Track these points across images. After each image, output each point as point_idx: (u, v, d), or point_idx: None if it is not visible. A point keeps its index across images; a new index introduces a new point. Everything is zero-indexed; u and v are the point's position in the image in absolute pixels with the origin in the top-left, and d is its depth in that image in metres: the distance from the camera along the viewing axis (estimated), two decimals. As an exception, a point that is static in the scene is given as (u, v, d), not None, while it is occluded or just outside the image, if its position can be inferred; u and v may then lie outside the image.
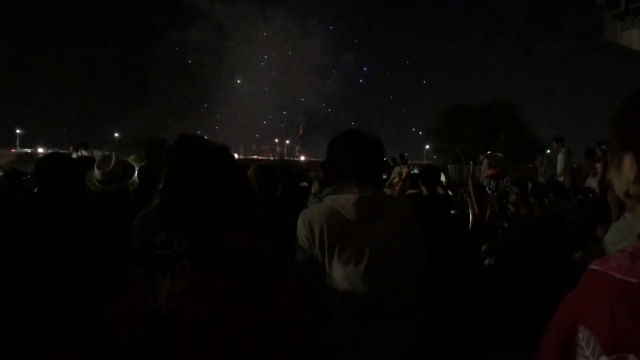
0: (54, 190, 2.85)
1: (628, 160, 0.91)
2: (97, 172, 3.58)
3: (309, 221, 2.30)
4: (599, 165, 9.87)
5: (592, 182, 9.76)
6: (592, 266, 0.88)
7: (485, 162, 10.60)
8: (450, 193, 6.00)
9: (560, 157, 11.51)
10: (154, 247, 1.39)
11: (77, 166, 3.75)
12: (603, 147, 10.28)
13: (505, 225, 4.87)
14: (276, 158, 43.20)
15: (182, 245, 1.36)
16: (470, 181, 5.02)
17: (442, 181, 5.51)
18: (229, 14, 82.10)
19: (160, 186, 1.60)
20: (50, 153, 3.21)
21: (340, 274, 2.25)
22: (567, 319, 0.86)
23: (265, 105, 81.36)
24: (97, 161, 3.72)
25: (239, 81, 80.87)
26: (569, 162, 11.55)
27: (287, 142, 76.76)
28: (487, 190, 5.57)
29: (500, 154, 6.94)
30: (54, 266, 2.57)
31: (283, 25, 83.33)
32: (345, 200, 2.28)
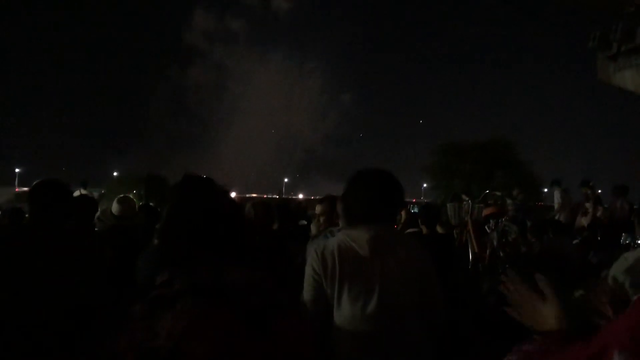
0: (50, 221, 2.73)
1: None
2: (115, 206, 3.86)
3: (322, 252, 2.27)
4: (588, 205, 9.91)
5: (583, 221, 9.77)
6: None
7: (489, 196, 10.84)
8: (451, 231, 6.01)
9: (556, 194, 11.59)
10: (154, 285, 1.40)
11: (78, 203, 3.80)
12: (591, 184, 10.36)
13: (507, 265, 4.85)
14: (274, 196, 43.20)
15: (182, 285, 1.37)
16: (469, 220, 5.03)
17: (441, 220, 5.51)
18: (228, 55, 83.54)
19: (161, 225, 1.61)
20: (45, 180, 3.02)
21: (348, 310, 2.21)
22: (607, 344, 0.85)
23: (263, 143, 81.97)
24: (117, 197, 3.99)
25: (237, 119, 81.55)
26: (567, 199, 11.62)
27: (286, 180, 76.86)
28: (487, 229, 5.57)
29: (498, 193, 6.96)
30: (55, 304, 2.53)
31: (282, 66, 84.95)
32: (359, 235, 2.26)
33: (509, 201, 10.31)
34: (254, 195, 53.35)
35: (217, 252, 1.49)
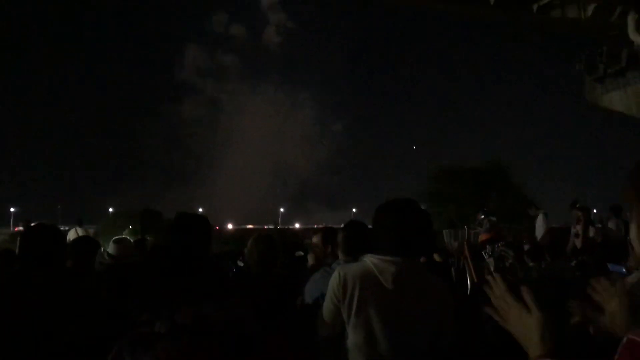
0: (41, 269, 2.68)
1: None
2: (112, 246, 3.96)
3: (344, 276, 2.26)
4: (578, 227, 9.97)
5: (577, 243, 9.81)
6: (631, 336, 0.87)
7: (484, 222, 10.93)
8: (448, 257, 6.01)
9: (540, 219, 11.76)
10: (137, 324, 1.42)
11: (78, 244, 3.84)
12: (578, 205, 10.44)
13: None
14: (271, 226, 43.07)
15: (163, 325, 1.39)
16: (465, 246, 5.04)
17: (438, 247, 5.52)
18: (221, 89, 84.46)
19: (143, 266, 1.63)
20: (36, 225, 3.03)
21: (360, 339, 2.20)
22: None
23: (258, 174, 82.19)
24: (114, 238, 4.11)
25: (231, 152, 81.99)
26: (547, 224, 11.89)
27: (282, 210, 76.76)
28: (484, 254, 5.58)
29: (494, 218, 6.98)
30: (49, 345, 2.51)
31: (274, 98, 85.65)
32: (385, 266, 2.24)
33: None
34: (251, 226, 53.18)
35: (197, 288, 1.51)
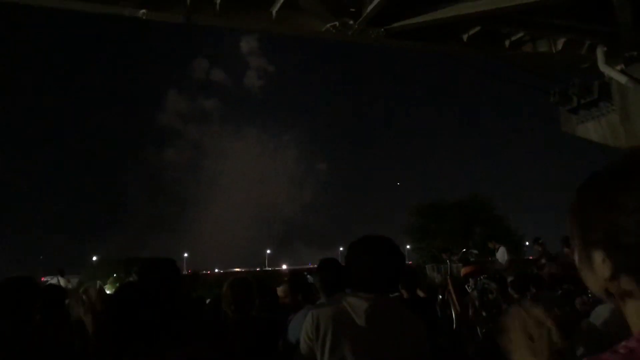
0: (13, 324, 2.66)
1: (599, 258, 0.86)
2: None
3: (317, 317, 2.25)
4: (543, 260, 10.27)
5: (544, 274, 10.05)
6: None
7: (499, 252, 11.34)
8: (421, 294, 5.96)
9: (502, 252, 12.14)
10: None
11: (46, 295, 3.75)
12: (540, 241, 10.87)
13: (490, 325, 4.80)
14: (257, 269, 42.57)
15: None
16: (449, 280, 5.02)
17: (421, 283, 5.49)
18: (203, 133, 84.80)
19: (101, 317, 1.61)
20: (9, 278, 2.98)
21: None
22: None
23: (243, 217, 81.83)
24: (83, 288, 3.83)
25: (215, 196, 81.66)
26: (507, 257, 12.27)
27: (268, 251, 76.18)
28: (467, 288, 5.55)
29: (475, 251, 6.98)
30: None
31: (257, 140, 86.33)
32: (357, 304, 2.23)
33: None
34: (237, 269, 52.57)
35: (161, 337, 1.48)
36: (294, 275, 4.01)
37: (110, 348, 1.49)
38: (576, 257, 0.94)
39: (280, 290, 3.86)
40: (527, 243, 28.18)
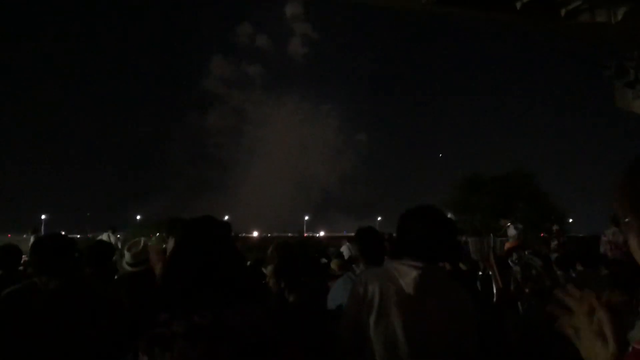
0: (57, 279, 2.73)
1: None
2: (126, 254, 3.86)
3: (366, 281, 2.27)
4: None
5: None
6: (636, 346, 0.84)
7: (510, 229, 10.94)
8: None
9: (512, 230, 11.74)
10: (154, 324, 1.42)
11: (91, 252, 3.90)
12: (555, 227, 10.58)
13: (531, 301, 4.74)
14: (295, 235, 43.07)
15: (180, 326, 1.39)
16: (491, 254, 4.95)
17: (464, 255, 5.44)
18: (246, 99, 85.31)
19: (163, 266, 1.64)
20: (46, 235, 3.15)
21: (381, 342, 2.18)
22: None
23: (282, 184, 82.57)
24: (127, 244, 3.99)
25: (255, 162, 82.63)
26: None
27: (306, 218, 76.89)
28: (510, 262, 5.47)
29: (520, 225, 6.85)
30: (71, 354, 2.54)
31: (298, 108, 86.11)
32: (407, 271, 2.24)
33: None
34: (275, 234, 53.34)
35: (215, 292, 1.50)
36: (281, 261, 3.40)
37: (171, 298, 1.53)
38: (630, 238, 0.92)
39: (268, 270, 3.40)
40: (570, 220, 27.57)
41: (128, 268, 3.87)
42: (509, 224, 7.46)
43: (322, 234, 57.62)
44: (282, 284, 3.15)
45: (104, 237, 14.86)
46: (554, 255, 7.16)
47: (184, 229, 1.69)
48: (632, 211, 0.91)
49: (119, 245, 15.07)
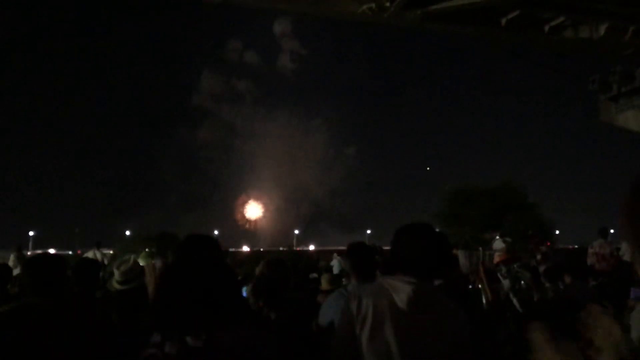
0: (49, 300, 2.70)
1: None
2: (116, 273, 3.81)
3: (359, 296, 2.29)
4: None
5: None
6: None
7: (496, 242, 10.93)
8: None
9: (498, 243, 11.81)
10: (147, 345, 1.44)
11: (77, 270, 3.90)
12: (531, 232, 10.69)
13: (521, 312, 4.79)
14: (286, 249, 42.85)
15: (173, 347, 1.40)
16: (480, 267, 5.00)
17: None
18: (236, 114, 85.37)
19: (156, 287, 1.65)
20: (38, 255, 3.14)
21: (375, 359, 2.18)
22: None
23: (272, 198, 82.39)
24: (116, 263, 3.96)
25: (246, 176, 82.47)
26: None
27: (296, 232, 76.68)
28: (499, 275, 5.52)
29: (509, 239, 6.90)
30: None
31: (288, 123, 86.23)
32: (401, 287, 2.24)
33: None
34: (264, 249, 53.07)
35: (208, 313, 1.51)
36: (261, 281, 3.36)
37: (164, 320, 1.54)
38: (630, 254, 0.96)
39: (247, 290, 3.35)
40: (557, 232, 27.78)
41: (118, 286, 3.83)
42: (497, 237, 7.52)
43: (312, 247, 57.46)
44: (261, 303, 3.15)
45: (90, 254, 14.61)
46: (542, 268, 7.22)
47: (175, 250, 1.71)
48: (631, 229, 0.95)
49: (106, 261, 14.91)
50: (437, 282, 4.72)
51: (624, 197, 0.97)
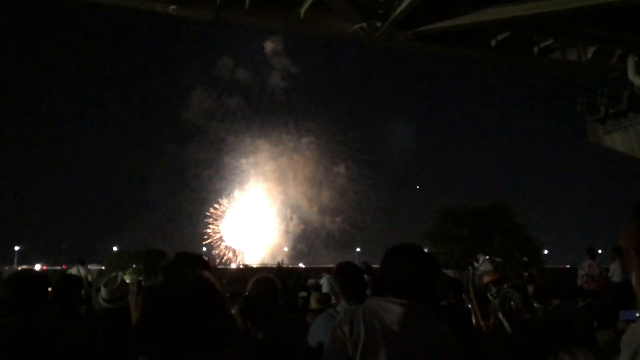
0: (31, 319, 2.67)
1: None
2: (103, 290, 3.73)
3: (350, 317, 2.26)
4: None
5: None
6: None
7: (481, 259, 10.95)
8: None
9: (486, 263, 11.83)
10: None
11: (59, 288, 3.83)
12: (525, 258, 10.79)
13: (509, 330, 4.77)
14: (274, 266, 42.66)
15: None
16: (470, 288, 4.99)
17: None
18: (226, 131, 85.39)
19: (140, 315, 1.62)
20: (20, 271, 3.10)
21: None
22: None
23: (262, 215, 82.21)
24: (104, 280, 3.85)
25: (235, 193, 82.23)
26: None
27: (285, 249, 76.42)
28: (489, 295, 5.51)
29: (499, 259, 6.91)
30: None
31: (278, 141, 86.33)
32: (391, 308, 2.23)
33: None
34: (255, 265, 52.84)
35: (196, 336, 1.48)
36: (247, 299, 3.30)
37: (150, 341, 1.51)
38: (633, 273, 0.98)
39: (234, 309, 3.28)
40: (545, 252, 27.96)
41: (104, 304, 3.74)
42: (487, 257, 7.52)
43: (301, 265, 57.25)
44: (248, 323, 3.10)
45: (74, 270, 14.32)
46: (531, 288, 7.22)
47: (165, 268, 1.68)
48: (634, 249, 0.96)
49: (90, 277, 14.64)
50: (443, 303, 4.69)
51: (629, 228, 0.98)
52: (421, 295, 2.33)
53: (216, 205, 77.33)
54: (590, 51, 9.88)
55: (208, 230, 74.79)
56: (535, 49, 9.79)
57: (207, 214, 76.42)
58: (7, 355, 2.48)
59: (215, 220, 75.88)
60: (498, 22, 8.30)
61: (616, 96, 10.74)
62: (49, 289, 3.07)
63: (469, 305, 5.13)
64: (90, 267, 18.02)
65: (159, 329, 1.48)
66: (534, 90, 11.68)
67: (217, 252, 69.87)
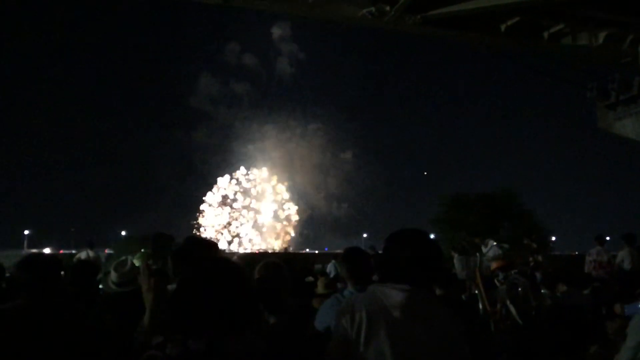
0: (45, 301, 2.71)
1: None
2: (113, 274, 3.77)
3: (352, 305, 2.26)
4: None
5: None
6: None
7: (490, 244, 10.87)
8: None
9: (494, 249, 11.77)
10: (149, 347, 1.43)
11: (75, 272, 3.86)
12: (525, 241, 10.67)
13: (518, 319, 4.76)
14: (281, 250, 42.81)
15: (174, 349, 1.40)
16: (477, 274, 4.99)
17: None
18: (233, 116, 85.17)
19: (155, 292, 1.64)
20: (33, 254, 3.11)
21: None
22: None
23: (268, 201, 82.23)
24: (114, 264, 3.89)
25: (243, 178, 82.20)
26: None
27: (292, 235, 76.67)
28: (496, 282, 5.50)
29: (506, 245, 6.89)
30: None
31: (285, 126, 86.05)
32: (393, 294, 2.22)
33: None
34: (261, 251, 53.04)
35: (213, 320, 1.50)
36: (266, 274, 3.32)
37: (167, 322, 1.54)
38: None
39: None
40: (553, 238, 27.87)
41: (114, 287, 3.78)
42: (494, 243, 7.49)
43: (307, 250, 57.43)
44: (260, 306, 3.12)
45: (83, 254, 14.31)
46: (538, 274, 7.22)
47: (175, 252, 1.70)
48: None
49: (100, 261, 14.68)
50: (438, 292, 4.70)
51: None
52: (424, 281, 2.32)
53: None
54: (602, 36, 9.72)
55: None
56: (546, 34, 9.65)
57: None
58: (18, 336, 2.52)
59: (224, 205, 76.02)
60: (508, 6, 8.20)
61: (627, 82, 10.62)
62: (61, 272, 3.09)
63: (476, 291, 5.14)
64: (99, 251, 18.06)
65: (193, 311, 1.50)
66: (543, 75, 11.55)
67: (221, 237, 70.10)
